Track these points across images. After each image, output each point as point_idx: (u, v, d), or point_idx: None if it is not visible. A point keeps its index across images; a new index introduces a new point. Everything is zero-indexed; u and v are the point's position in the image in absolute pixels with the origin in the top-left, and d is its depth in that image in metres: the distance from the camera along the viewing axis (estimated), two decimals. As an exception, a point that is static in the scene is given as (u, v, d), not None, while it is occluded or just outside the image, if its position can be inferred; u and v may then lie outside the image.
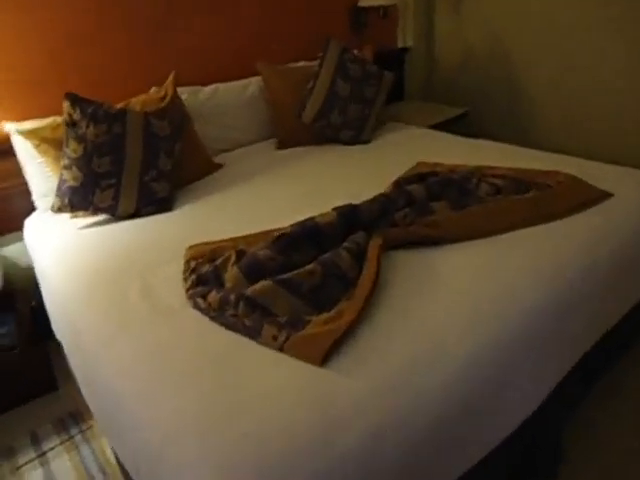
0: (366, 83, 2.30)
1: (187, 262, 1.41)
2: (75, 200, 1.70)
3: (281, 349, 1.03)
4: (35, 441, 1.66)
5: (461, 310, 1.13)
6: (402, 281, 1.23)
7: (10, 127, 1.84)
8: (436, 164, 1.92)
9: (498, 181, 1.62)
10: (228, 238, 1.51)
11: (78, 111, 1.72)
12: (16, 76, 1.92)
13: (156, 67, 2.21)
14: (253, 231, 1.52)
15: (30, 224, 1.87)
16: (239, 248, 1.40)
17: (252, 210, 1.76)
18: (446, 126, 2.82)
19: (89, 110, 1.73)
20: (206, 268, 1.33)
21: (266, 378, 0.97)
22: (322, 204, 1.57)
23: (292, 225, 1.36)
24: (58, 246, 1.66)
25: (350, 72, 2.26)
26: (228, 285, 1.27)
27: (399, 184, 1.59)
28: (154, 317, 1.20)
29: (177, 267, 1.42)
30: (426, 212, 1.42)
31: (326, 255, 1.24)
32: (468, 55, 3.08)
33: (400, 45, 3.15)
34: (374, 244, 1.29)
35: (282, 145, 2.32)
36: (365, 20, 2.86)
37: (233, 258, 1.34)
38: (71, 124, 1.72)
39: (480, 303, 1.14)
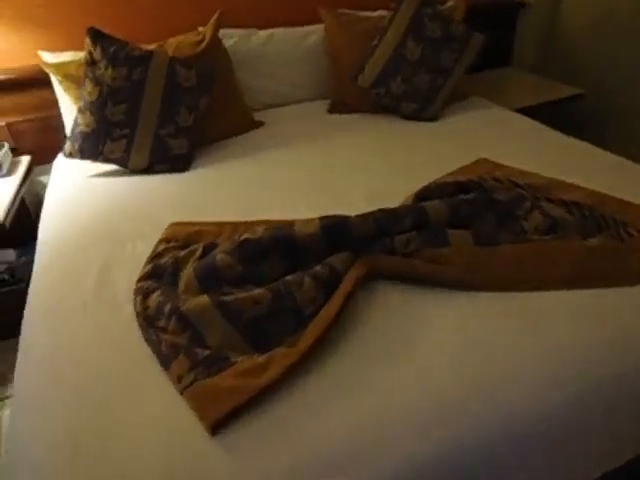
0: (445, 47, 1.89)
1: (159, 242, 1.27)
2: (85, 147, 1.61)
3: (181, 393, 0.85)
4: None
5: (431, 396, 0.85)
6: (372, 331, 0.97)
7: (45, 57, 1.77)
8: (499, 166, 1.53)
9: (561, 211, 1.22)
10: (217, 221, 1.33)
11: (99, 49, 1.58)
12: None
13: (208, 2, 1.99)
14: (261, 215, 1.33)
15: (55, 164, 1.84)
16: (211, 241, 1.22)
17: (273, 186, 1.55)
18: (550, 109, 2.30)
19: (111, 49, 1.59)
20: (168, 257, 1.18)
21: (139, 426, 0.81)
22: (343, 195, 1.43)
23: (267, 228, 1.13)
24: (61, 194, 1.61)
25: (426, 31, 1.86)
26: (181, 286, 1.10)
27: (420, 195, 1.26)
28: (90, 308, 1.09)
29: (152, 244, 1.29)
30: (439, 241, 1.10)
31: (287, 278, 1.01)
32: (606, 20, 2.42)
33: (517, -1, 2.57)
34: (353, 274, 1.03)
35: (335, 109, 2.03)
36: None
37: (198, 253, 1.17)
38: (91, 63, 1.60)
39: (460, 393, 0.86)
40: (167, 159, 1.66)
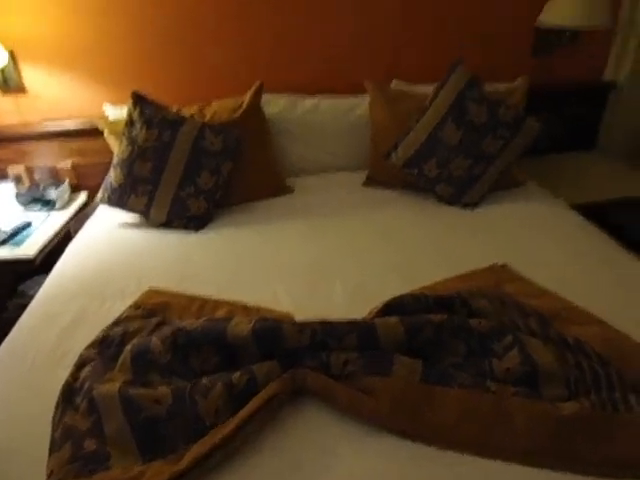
0: (490, 133, 1.73)
1: (130, 307, 1.30)
2: (113, 197, 1.73)
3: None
4: None
5: None
6: (260, 461, 0.88)
7: (107, 109, 1.97)
8: (515, 279, 1.34)
9: (551, 357, 1.01)
10: (190, 295, 1.33)
11: (137, 112, 1.71)
12: (133, 63, 2.03)
13: (265, 67, 2.08)
14: (245, 293, 1.32)
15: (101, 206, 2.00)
16: (170, 317, 1.21)
17: (274, 262, 1.52)
18: (627, 208, 2.00)
19: (148, 112, 1.70)
20: (121, 328, 1.19)
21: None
22: (328, 286, 1.36)
23: (208, 319, 1.10)
24: (87, 237, 1.74)
25: (468, 115, 1.73)
26: (119, 362, 1.10)
27: (391, 306, 1.13)
28: (36, 363, 1.14)
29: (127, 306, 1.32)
30: (380, 368, 0.97)
31: (200, 381, 0.96)
32: None
33: (608, 78, 2.30)
34: (272, 388, 0.95)
35: (370, 182, 1.96)
36: (555, 42, 2.14)
37: (150, 328, 1.17)
38: (129, 124, 1.73)
39: None
40: (184, 217, 1.72)
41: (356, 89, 2.04)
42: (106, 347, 1.15)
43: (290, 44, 2.07)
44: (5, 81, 1.98)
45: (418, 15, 2.08)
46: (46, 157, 2.13)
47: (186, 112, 1.81)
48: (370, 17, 2.06)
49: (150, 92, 1.79)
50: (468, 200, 1.77)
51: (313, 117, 2.03)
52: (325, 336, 1.01)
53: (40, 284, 1.50)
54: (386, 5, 2.04)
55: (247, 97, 1.86)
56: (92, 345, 1.15)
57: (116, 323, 1.22)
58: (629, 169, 2.21)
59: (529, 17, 2.02)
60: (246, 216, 1.80)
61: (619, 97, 2.30)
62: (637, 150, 2.37)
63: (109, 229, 1.77)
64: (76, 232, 2.03)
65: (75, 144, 2.12)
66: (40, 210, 2.01)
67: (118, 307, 1.32)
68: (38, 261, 1.75)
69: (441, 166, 1.75)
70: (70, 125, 2.06)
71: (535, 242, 1.57)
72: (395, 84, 2.07)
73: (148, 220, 1.75)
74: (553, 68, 2.17)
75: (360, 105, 2.03)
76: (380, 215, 1.76)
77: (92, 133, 2.05)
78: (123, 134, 1.73)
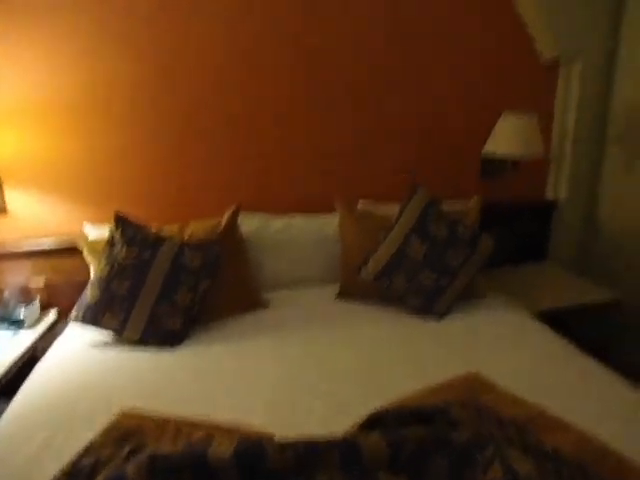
0: (450, 248, 1.88)
1: (101, 432, 1.24)
2: (87, 315, 1.72)
3: None
4: None
5: None
6: None
7: (87, 229, 2.04)
8: (488, 387, 1.39)
9: (529, 466, 1.03)
10: (164, 417, 1.29)
11: (119, 232, 1.78)
12: (115, 184, 2.15)
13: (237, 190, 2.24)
14: (222, 412, 1.29)
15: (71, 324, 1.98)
16: (142, 444, 1.17)
17: (261, 377, 1.51)
18: (582, 313, 2.14)
19: (129, 233, 1.78)
20: (89, 458, 1.13)
21: None
22: (330, 396, 1.38)
23: (188, 443, 1.07)
24: (56, 356, 1.69)
25: (430, 231, 1.89)
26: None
27: (372, 420, 1.14)
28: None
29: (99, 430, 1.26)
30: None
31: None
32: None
33: (550, 197, 2.58)
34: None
35: (343, 295, 2.04)
36: (499, 168, 2.43)
37: (122, 455, 1.12)
38: (111, 244, 1.79)
39: None
40: (159, 334, 1.72)
41: (325, 208, 2.22)
42: (74, 478, 1.08)
43: (265, 169, 2.27)
44: (-12, 204, 2.04)
45: (380, 144, 2.35)
46: (19, 275, 2.12)
47: (166, 232, 1.90)
48: (337, 144, 2.31)
49: (130, 211, 1.89)
50: (436, 310, 1.85)
51: (286, 234, 2.16)
52: (308, 455, 1.00)
53: (3, 410, 1.43)
54: (350, 133, 2.30)
55: (225, 218, 1.98)
56: (59, 477, 1.09)
57: (86, 451, 1.16)
58: (577, 277, 2.40)
59: (477, 147, 2.31)
60: (222, 332, 1.81)
61: (560, 214, 2.56)
62: (583, 260, 2.59)
63: (78, 348, 1.73)
64: (44, 352, 1.97)
65: (50, 262, 2.14)
66: (7, 329, 1.96)
67: (87, 434, 1.26)
68: (3, 383, 1.67)
69: (409, 279, 1.86)
70: (47, 244, 2.10)
71: (503, 350, 1.64)
72: (362, 203, 2.25)
73: (121, 337, 1.73)
74: (501, 188, 2.42)
75: (330, 223, 2.19)
76: (354, 328, 1.81)
77: (68, 251, 2.09)
78: (103, 253, 1.78)
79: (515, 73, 2.40)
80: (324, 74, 2.22)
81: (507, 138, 2.11)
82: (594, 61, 2.37)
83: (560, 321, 1.96)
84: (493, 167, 2.42)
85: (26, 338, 1.92)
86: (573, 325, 1.97)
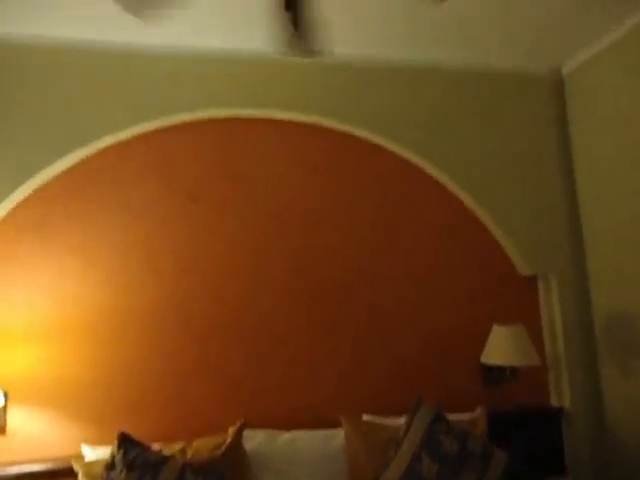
0: (464, 465, 1.81)
1: None
2: None
3: None
4: None
5: None
6: None
7: (85, 450, 1.96)
8: None
9: None
10: None
11: (121, 454, 1.72)
12: (117, 402, 2.16)
13: (244, 403, 2.24)
14: None
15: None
16: None
17: None
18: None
19: (131, 455, 1.72)
20: None
21: None
22: None
23: None
24: None
25: (441, 447, 1.84)
26: None
27: None
28: None
29: None
30: None
31: None
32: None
33: (555, 404, 2.57)
34: None
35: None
36: (499, 376, 2.48)
37: None
38: (110, 467, 1.72)
39: None
40: None
41: (328, 423, 2.19)
42: None
43: (269, 385, 2.31)
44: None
45: (384, 358, 2.44)
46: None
47: (168, 451, 1.84)
48: (338, 362, 2.40)
49: (131, 429, 1.86)
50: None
51: (291, 450, 2.08)
52: None
53: None
54: (349, 350, 2.41)
55: (229, 436, 1.94)
56: None
57: None
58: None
59: (477, 355, 2.41)
60: None
61: (569, 423, 2.51)
62: (597, 467, 2.44)
63: None
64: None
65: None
66: None
67: None
68: None
69: (424, 501, 1.74)
70: (40, 467, 1.99)
71: None
72: (365, 417, 2.22)
73: None
74: (504, 396, 2.43)
75: (335, 437, 2.13)
76: None
77: (63, 472, 1.97)
78: (101, 477, 1.69)
79: (501, 289, 2.63)
80: (325, 305, 2.43)
81: (501, 349, 2.23)
82: (567, 277, 2.64)
83: None
84: (493, 375, 2.47)
85: None
86: None
